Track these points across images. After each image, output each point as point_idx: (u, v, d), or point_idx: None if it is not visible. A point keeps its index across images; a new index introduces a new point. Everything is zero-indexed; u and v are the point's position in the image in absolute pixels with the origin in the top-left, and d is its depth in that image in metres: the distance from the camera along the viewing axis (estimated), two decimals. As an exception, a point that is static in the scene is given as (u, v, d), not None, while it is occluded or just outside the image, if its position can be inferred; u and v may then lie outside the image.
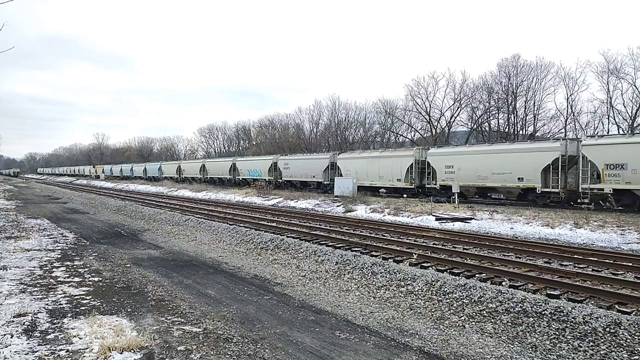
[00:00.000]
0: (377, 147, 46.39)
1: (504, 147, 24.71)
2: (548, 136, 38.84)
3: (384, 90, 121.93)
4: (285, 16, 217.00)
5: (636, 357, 5.10)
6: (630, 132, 31.53)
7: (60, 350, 4.99)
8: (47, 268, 9.28)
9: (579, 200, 20.81)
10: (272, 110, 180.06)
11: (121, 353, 4.87)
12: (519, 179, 22.29)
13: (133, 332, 5.55)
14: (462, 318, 6.60)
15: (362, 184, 29.76)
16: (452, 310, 6.90)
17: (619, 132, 35.24)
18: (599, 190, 19.24)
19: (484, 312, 6.64)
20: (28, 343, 5.16)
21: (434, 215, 18.83)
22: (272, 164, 40.41)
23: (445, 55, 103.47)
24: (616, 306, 7.05)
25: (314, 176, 35.03)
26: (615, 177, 18.63)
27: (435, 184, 26.49)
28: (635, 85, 35.97)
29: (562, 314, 6.10)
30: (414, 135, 51.42)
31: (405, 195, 28.22)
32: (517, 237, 14.54)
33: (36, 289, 7.60)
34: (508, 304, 6.65)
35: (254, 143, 74.62)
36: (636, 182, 18.17)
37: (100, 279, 8.49)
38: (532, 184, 21.83)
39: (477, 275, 9.11)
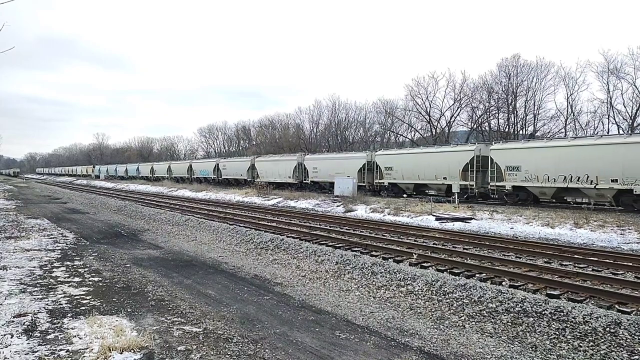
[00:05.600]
0: (377, 148, 47.03)
1: (341, 155, 36.78)
2: (548, 136, 38.93)
3: (384, 90, 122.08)
4: (285, 16, 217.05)
5: (636, 357, 5.10)
6: (526, 140, 34.06)
7: (60, 350, 4.99)
8: (47, 268, 9.28)
9: (376, 189, 31.93)
10: (272, 110, 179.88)
11: (121, 353, 4.87)
12: (347, 176, 32.30)
13: (133, 332, 5.55)
14: (462, 318, 6.60)
15: (268, 180, 38.86)
16: (452, 310, 6.90)
17: (618, 132, 35.30)
18: (380, 183, 30.94)
19: (484, 312, 6.64)
20: (28, 343, 5.16)
21: (434, 215, 18.84)
22: (215, 165, 51.45)
23: (445, 55, 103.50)
24: (616, 306, 7.05)
25: (241, 175, 45.90)
26: (388, 175, 30.23)
27: (309, 180, 36.57)
28: (635, 85, 36.02)
29: (562, 313, 6.10)
30: (414, 135, 51.48)
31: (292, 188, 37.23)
32: (517, 237, 14.54)
33: (36, 289, 7.60)
34: (508, 303, 6.65)
35: (254, 143, 74.52)
36: (398, 178, 29.57)
37: (100, 279, 8.49)
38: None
39: (477, 275, 9.10)
